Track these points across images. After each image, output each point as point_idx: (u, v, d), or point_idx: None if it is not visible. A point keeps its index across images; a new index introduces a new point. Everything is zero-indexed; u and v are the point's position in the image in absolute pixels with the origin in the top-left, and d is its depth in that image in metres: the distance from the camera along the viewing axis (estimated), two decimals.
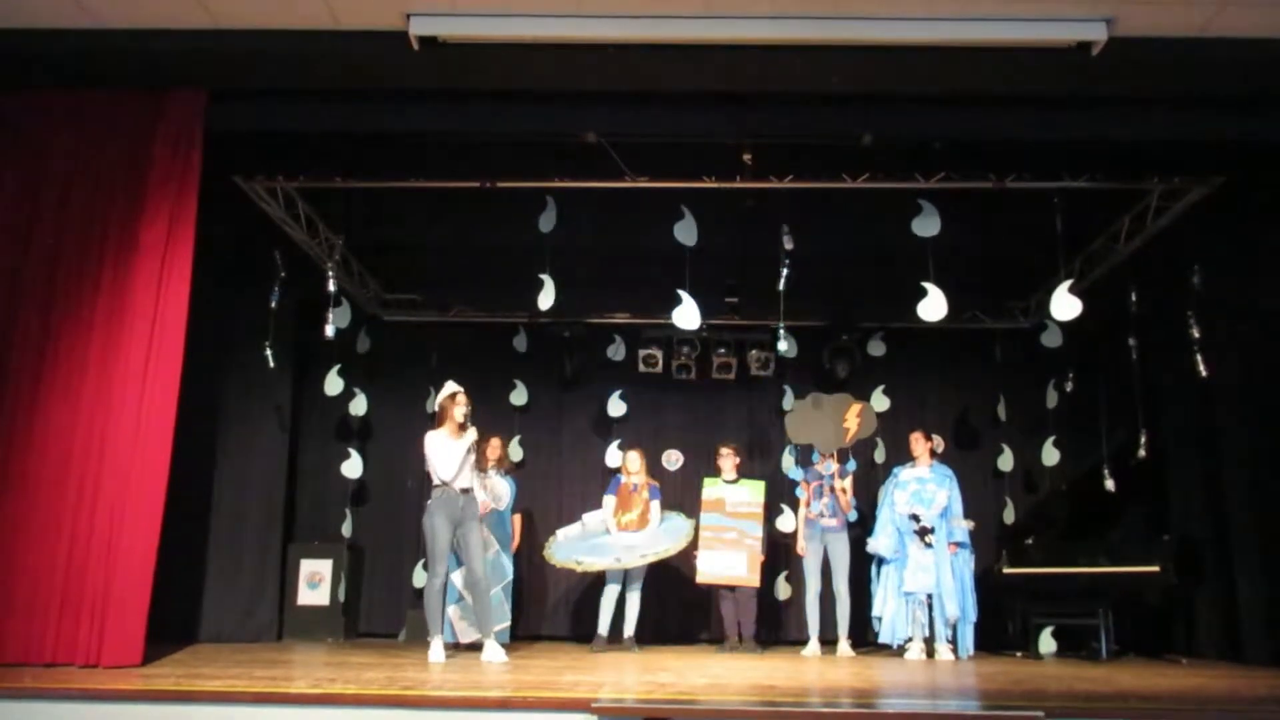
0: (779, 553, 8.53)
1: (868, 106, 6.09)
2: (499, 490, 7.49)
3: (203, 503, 7.52)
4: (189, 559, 7.28)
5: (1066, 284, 6.95)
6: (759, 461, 9.02)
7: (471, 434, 6.29)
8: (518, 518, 8.01)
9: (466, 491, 6.30)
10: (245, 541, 7.77)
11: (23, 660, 5.16)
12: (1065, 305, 6.92)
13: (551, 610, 8.88)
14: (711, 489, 7.76)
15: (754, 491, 7.69)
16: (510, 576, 7.57)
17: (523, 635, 8.29)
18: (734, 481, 7.75)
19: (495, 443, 7.67)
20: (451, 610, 7.22)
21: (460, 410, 6.29)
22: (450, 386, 6.45)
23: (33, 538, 5.35)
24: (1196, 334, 7.07)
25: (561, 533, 7.77)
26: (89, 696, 4.25)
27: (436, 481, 6.26)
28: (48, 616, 5.27)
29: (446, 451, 6.23)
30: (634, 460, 7.66)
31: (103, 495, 5.41)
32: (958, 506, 7.30)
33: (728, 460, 7.79)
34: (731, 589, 7.53)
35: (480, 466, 6.54)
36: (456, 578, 7.22)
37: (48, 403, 5.53)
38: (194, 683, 4.49)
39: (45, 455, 5.46)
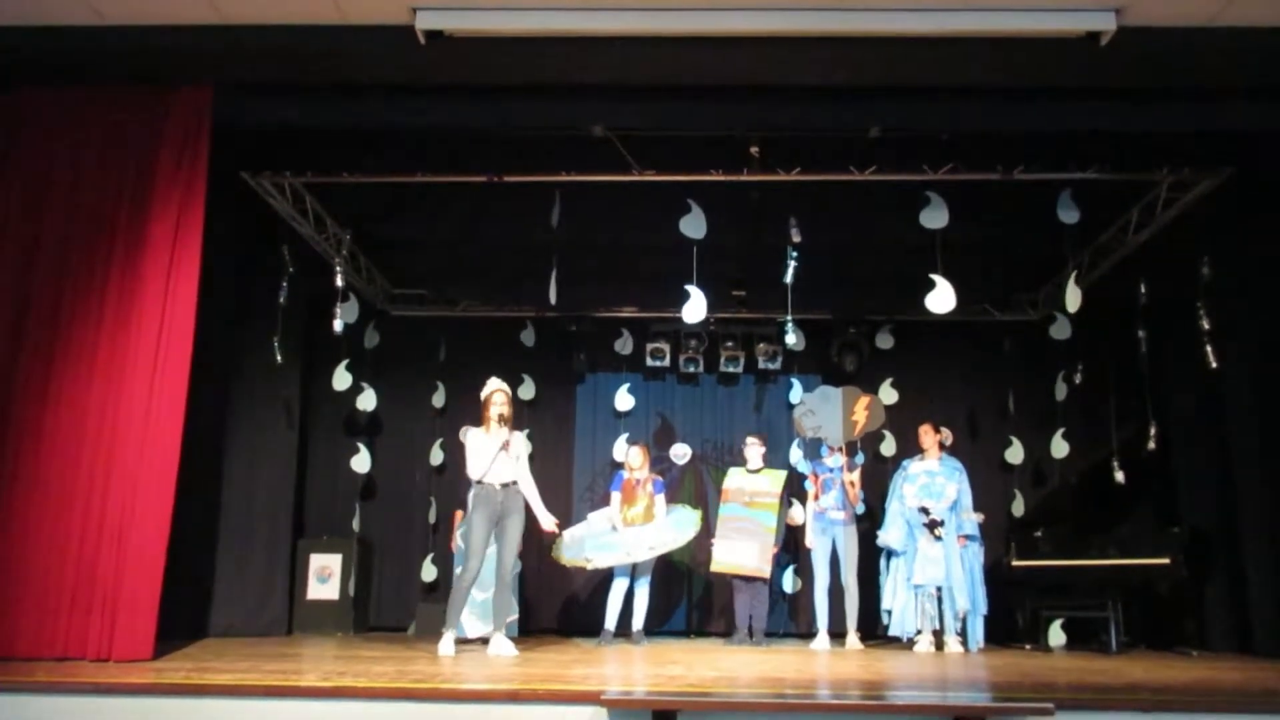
0: (789, 545, 8.54)
1: (875, 98, 6.07)
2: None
3: (212, 498, 7.54)
4: (199, 554, 7.29)
5: (1073, 275, 6.94)
6: (768, 454, 9.00)
7: (504, 434, 6.31)
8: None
9: (507, 486, 6.31)
10: (255, 536, 7.79)
11: (34, 655, 5.18)
12: (1076, 298, 6.92)
13: (560, 605, 8.91)
14: (733, 478, 7.75)
15: (773, 481, 7.65)
16: (518, 568, 7.54)
17: (531, 630, 8.31)
18: (757, 471, 7.73)
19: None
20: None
21: (495, 409, 6.33)
22: (492, 383, 6.49)
23: (43, 533, 5.36)
24: (1206, 325, 7.04)
25: (568, 533, 7.78)
26: (100, 691, 4.26)
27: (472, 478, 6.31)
28: (59, 611, 5.28)
29: (479, 448, 6.29)
30: (635, 456, 7.66)
31: (113, 491, 5.42)
32: (967, 499, 7.29)
33: (754, 450, 7.75)
34: (746, 580, 7.51)
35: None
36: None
37: (58, 399, 5.54)
38: (204, 677, 4.51)
39: (55, 451, 5.47)
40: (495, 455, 6.27)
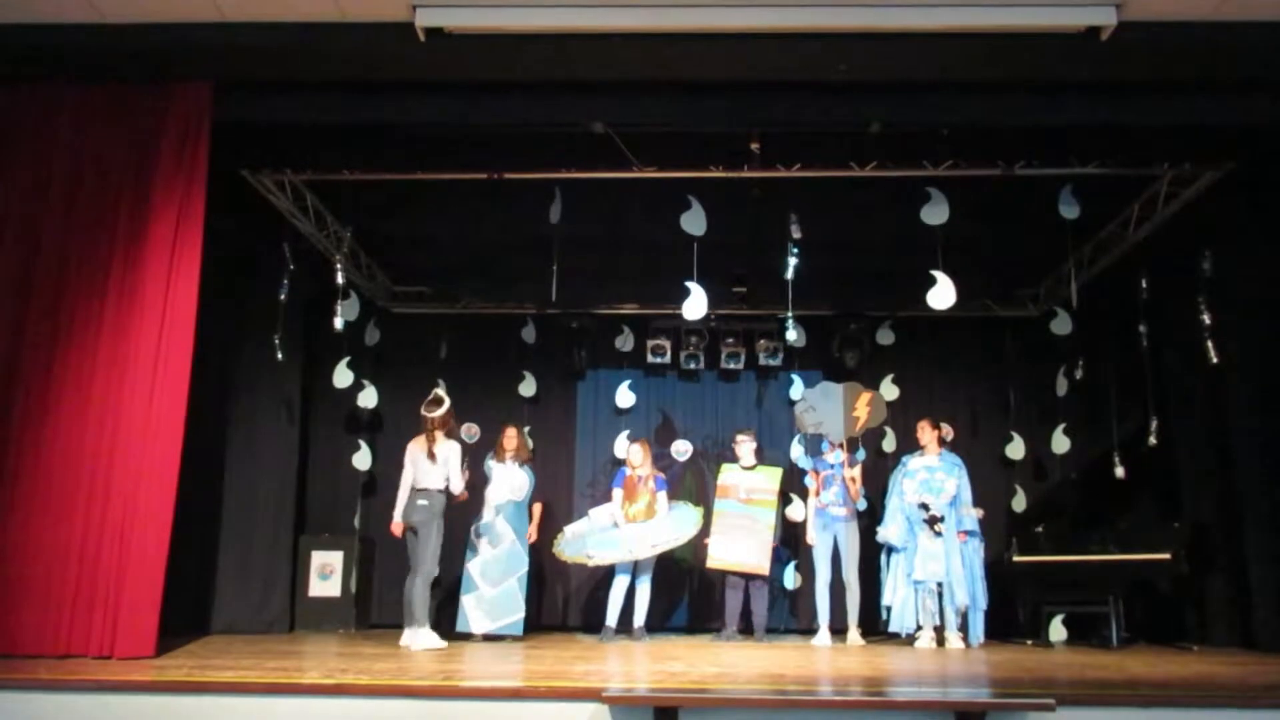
0: (789, 542, 8.54)
1: (875, 94, 6.06)
2: (518, 481, 7.54)
3: (214, 495, 7.55)
4: (201, 551, 7.32)
5: (1073, 270, 6.96)
6: (768, 451, 9.02)
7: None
8: (538, 507, 7.89)
9: None
10: (256, 533, 7.79)
11: (37, 652, 5.19)
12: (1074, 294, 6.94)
13: (562, 602, 8.91)
14: (728, 475, 7.75)
15: (769, 478, 7.66)
16: (526, 567, 7.49)
17: (534, 627, 8.31)
18: (751, 468, 7.73)
19: (511, 433, 7.69)
20: (468, 600, 7.26)
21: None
22: (447, 399, 7.02)
23: (46, 531, 5.37)
24: (1207, 320, 7.04)
25: (569, 529, 7.79)
26: (103, 688, 4.27)
27: (450, 489, 6.81)
28: (61, 609, 5.30)
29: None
30: (636, 453, 7.67)
31: (115, 488, 5.43)
32: (967, 495, 7.28)
33: (745, 446, 7.75)
34: (744, 577, 7.50)
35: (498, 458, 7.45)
36: (474, 567, 7.31)
37: (59, 397, 5.55)
38: (207, 674, 4.52)
39: (57, 449, 5.48)
40: None
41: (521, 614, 7.34)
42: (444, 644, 6.35)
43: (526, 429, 9.02)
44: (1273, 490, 6.77)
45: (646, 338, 9.12)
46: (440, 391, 7.30)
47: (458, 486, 6.79)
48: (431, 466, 6.73)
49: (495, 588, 7.22)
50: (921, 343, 9.20)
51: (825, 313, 8.93)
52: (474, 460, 7.79)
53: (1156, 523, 7.80)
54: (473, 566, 7.33)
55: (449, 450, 6.78)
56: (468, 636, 7.21)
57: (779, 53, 5.61)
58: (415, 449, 6.89)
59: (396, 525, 6.83)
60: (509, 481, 7.48)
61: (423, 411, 6.93)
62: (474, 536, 7.41)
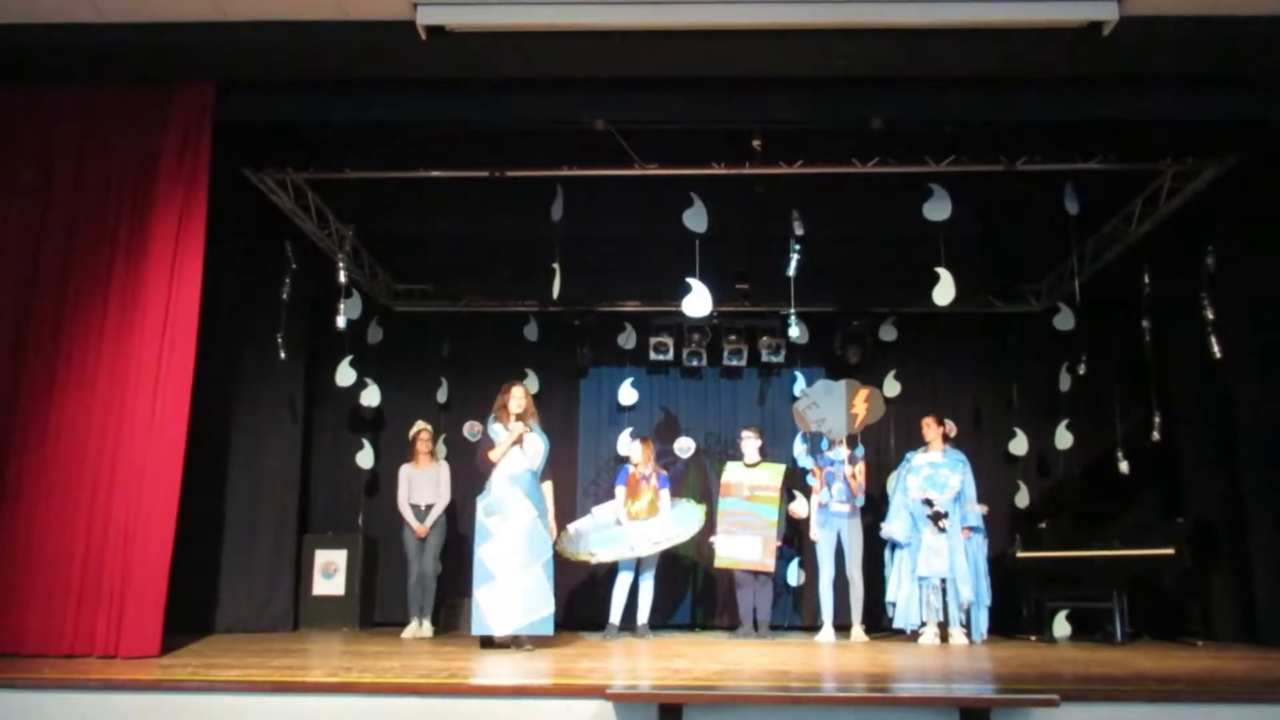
0: (793, 539, 8.54)
1: (877, 90, 6.05)
2: (534, 447, 6.34)
3: (217, 494, 7.55)
4: (205, 550, 7.32)
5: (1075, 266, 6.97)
6: (771, 448, 9.00)
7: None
8: (548, 485, 6.53)
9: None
10: (260, 532, 7.80)
11: (42, 652, 5.20)
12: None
13: (565, 599, 8.90)
14: (732, 472, 7.74)
15: (773, 475, 7.64)
16: (551, 551, 6.24)
17: None
18: (755, 465, 7.72)
19: (519, 392, 6.38)
20: (483, 593, 5.95)
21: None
22: (419, 424, 8.12)
23: (50, 531, 5.38)
24: (1210, 315, 7.03)
25: (572, 526, 7.78)
26: (108, 687, 4.27)
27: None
28: (66, 608, 5.30)
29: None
30: (637, 451, 7.65)
31: (118, 488, 5.44)
32: (971, 491, 7.28)
33: (749, 443, 7.74)
34: (752, 575, 7.50)
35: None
36: (488, 554, 6.00)
37: (63, 396, 5.55)
38: (211, 673, 4.53)
39: (61, 449, 5.48)
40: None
41: (551, 609, 6.05)
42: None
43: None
44: (1276, 485, 6.76)
45: (649, 335, 9.12)
46: (422, 423, 8.25)
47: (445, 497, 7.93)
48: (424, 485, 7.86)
49: (517, 576, 5.96)
50: (924, 339, 9.19)
51: (828, 309, 8.93)
52: (472, 457, 7.82)
53: (1160, 518, 7.80)
54: (486, 553, 6.00)
55: (440, 471, 7.97)
56: (489, 641, 6.11)
57: (780, 49, 5.60)
58: (408, 470, 7.92)
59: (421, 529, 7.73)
60: (527, 447, 6.27)
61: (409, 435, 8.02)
62: (483, 517, 6.10)
